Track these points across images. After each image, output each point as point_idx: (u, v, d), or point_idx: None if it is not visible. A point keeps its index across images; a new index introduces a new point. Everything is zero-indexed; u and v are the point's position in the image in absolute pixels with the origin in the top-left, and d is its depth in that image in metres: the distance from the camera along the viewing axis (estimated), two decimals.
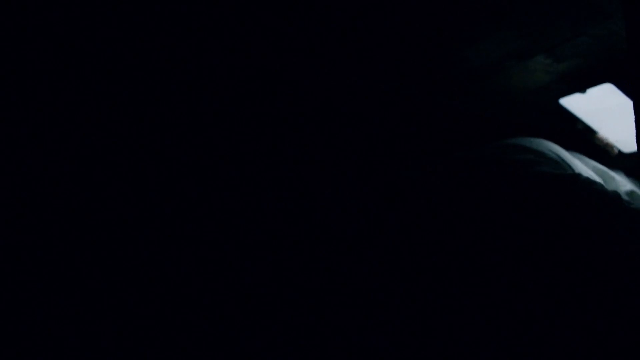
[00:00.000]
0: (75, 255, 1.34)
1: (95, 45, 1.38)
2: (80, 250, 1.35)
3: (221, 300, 1.43)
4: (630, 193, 1.53)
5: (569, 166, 1.39)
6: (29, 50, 1.32)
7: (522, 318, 1.12)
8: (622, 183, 1.54)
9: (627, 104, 1.42)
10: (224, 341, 1.41)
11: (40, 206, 1.33)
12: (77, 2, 1.33)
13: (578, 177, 1.21)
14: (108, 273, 1.36)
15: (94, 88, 1.41)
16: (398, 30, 1.50)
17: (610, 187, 1.46)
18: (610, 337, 1.01)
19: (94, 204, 1.39)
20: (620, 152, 1.60)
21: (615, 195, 1.15)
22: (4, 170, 1.31)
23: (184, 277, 1.43)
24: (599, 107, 1.47)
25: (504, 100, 1.69)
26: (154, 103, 1.48)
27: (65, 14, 1.33)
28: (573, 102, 1.52)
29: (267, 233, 1.50)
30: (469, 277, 1.21)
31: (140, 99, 1.47)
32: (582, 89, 1.48)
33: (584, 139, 1.56)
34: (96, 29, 1.37)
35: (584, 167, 1.46)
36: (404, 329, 1.27)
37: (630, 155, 1.61)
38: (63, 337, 1.30)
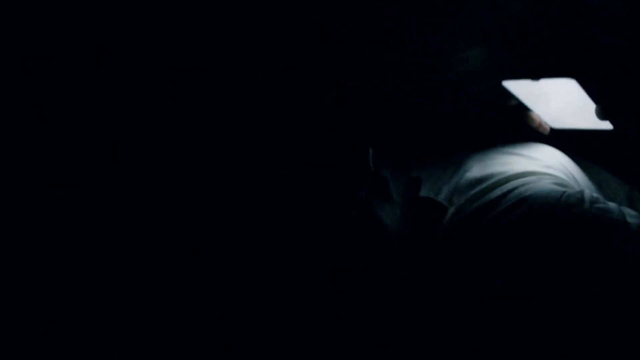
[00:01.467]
0: (74, 255, 1.35)
1: (94, 44, 1.39)
2: (79, 250, 1.36)
3: (224, 300, 1.44)
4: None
5: (573, 177, 1.36)
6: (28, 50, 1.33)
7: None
8: (621, 186, 1.56)
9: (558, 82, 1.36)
10: (228, 341, 1.41)
11: (41, 206, 1.34)
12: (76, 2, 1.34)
13: (583, 196, 1.15)
14: (107, 273, 1.37)
15: (93, 87, 1.42)
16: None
17: (606, 191, 1.48)
18: None
19: (94, 203, 1.39)
20: (552, 129, 1.53)
21: (622, 220, 1.10)
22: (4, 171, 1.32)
23: (190, 276, 1.43)
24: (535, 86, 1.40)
25: (451, 90, 1.62)
26: (152, 103, 1.49)
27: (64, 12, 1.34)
28: (515, 84, 1.45)
29: (269, 230, 1.50)
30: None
31: (137, 99, 1.47)
32: (535, 77, 1.39)
33: (517, 117, 1.49)
34: (95, 28, 1.38)
35: (583, 176, 1.47)
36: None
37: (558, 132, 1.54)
38: (63, 337, 1.29)
